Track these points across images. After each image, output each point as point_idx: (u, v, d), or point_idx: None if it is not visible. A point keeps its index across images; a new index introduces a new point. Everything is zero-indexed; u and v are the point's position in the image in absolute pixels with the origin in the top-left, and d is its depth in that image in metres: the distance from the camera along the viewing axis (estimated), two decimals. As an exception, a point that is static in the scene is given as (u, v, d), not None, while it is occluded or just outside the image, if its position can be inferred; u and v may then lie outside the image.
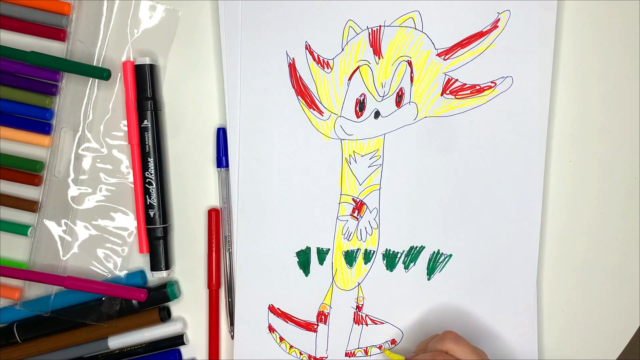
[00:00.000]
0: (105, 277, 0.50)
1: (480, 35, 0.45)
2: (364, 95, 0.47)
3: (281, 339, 0.50)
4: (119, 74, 0.48)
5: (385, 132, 0.47)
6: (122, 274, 0.50)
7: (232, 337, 0.50)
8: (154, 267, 0.49)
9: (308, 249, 0.49)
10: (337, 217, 0.49)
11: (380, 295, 0.49)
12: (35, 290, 0.50)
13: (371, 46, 0.46)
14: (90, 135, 0.49)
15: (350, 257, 0.49)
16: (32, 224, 0.49)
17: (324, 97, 0.47)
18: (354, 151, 0.48)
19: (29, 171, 0.49)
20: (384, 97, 0.47)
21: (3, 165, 0.49)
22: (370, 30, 0.46)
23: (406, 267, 0.49)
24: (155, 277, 0.49)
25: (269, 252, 0.49)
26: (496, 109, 0.46)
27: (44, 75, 0.47)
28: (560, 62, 0.47)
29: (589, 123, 0.48)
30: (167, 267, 0.49)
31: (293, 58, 0.47)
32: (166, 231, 0.49)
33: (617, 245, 0.49)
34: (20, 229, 0.49)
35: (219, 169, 0.49)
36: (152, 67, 0.47)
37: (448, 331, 0.44)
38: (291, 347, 0.50)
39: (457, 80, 0.46)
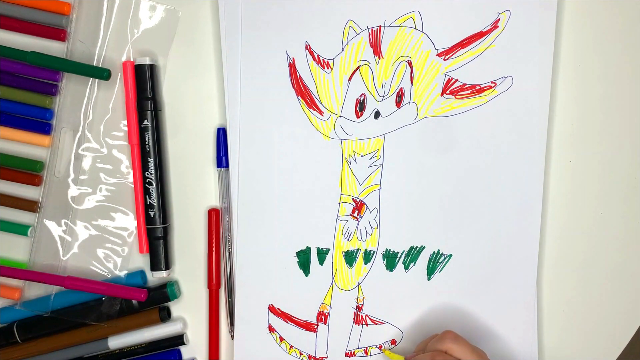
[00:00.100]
0: (105, 277, 0.50)
1: (480, 35, 0.45)
2: (364, 95, 0.47)
3: (281, 339, 0.50)
4: (119, 74, 0.48)
5: (386, 132, 0.47)
6: (122, 274, 0.50)
7: (232, 337, 0.50)
8: (154, 267, 0.49)
9: (308, 249, 0.49)
10: (337, 217, 0.49)
11: (380, 295, 0.49)
12: (35, 290, 0.50)
13: (371, 46, 0.46)
14: (90, 135, 0.49)
15: (350, 257, 0.49)
16: (32, 224, 0.49)
17: (324, 97, 0.47)
18: (354, 151, 0.48)
19: (29, 171, 0.49)
20: (384, 97, 0.47)
21: (3, 165, 0.49)
22: (370, 30, 0.46)
23: (406, 267, 0.49)
24: (155, 277, 0.49)
25: (269, 252, 0.49)
26: (496, 109, 0.46)
27: (44, 75, 0.47)
28: (560, 62, 0.47)
29: (589, 123, 0.48)
30: (167, 267, 0.49)
31: (293, 58, 0.47)
32: (166, 231, 0.49)
33: (617, 245, 0.49)
34: (20, 229, 0.49)
35: (219, 169, 0.49)
36: (152, 67, 0.47)
37: (447, 331, 0.44)
38: (291, 347, 0.50)
39: (457, 80, 0.46)
